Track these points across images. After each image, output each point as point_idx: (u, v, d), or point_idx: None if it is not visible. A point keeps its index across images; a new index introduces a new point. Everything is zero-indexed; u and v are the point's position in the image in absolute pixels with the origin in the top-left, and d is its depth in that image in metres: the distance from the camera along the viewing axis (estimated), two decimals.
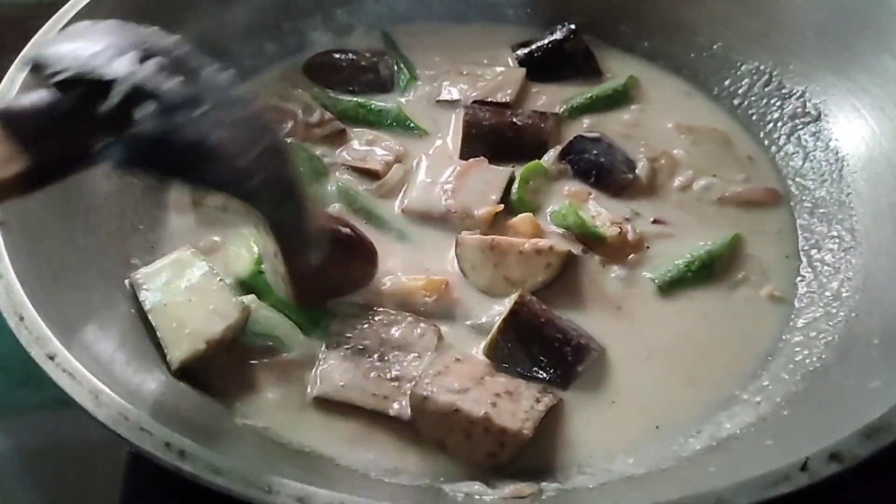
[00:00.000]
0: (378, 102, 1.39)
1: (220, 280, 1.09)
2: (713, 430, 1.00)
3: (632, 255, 1.20)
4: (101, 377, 0.85)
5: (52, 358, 0.85)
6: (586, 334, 1.09)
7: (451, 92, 1.42)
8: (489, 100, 1.39)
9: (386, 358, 1.05)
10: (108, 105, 0.75)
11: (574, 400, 1.05)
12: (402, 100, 1.42)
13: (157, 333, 1.04)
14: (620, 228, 1.20)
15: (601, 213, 1.23)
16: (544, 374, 1.06)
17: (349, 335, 1.07)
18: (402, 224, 1.24)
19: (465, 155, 1.31)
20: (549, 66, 1.46)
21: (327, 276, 1.04)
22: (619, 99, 1.43)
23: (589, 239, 1.20)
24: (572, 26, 1.47)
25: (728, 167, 1.32)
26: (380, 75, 1.44)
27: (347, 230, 1.11)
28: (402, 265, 1.17)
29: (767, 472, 0.77)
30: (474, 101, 1.38)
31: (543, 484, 0.95)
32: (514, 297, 1.09)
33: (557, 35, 1.47)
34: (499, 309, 1.11)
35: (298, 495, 0.76)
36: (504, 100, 1.40)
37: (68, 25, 1.17)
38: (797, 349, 1.09)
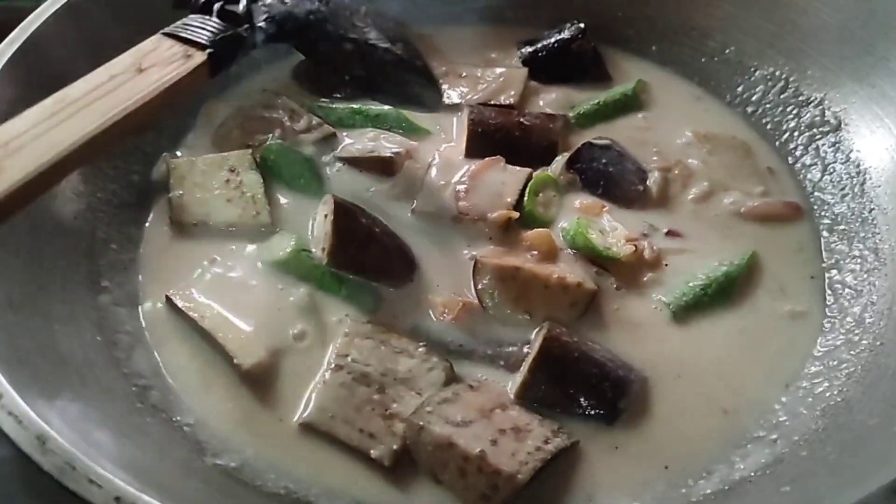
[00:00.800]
0: (374, 107, 1.31)
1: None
2: (725, 472, 0.93)
3: (649, 275, 1.12)
4: (50, 417, 0.77)
5: None
6: (623, 363, 1.01)
7: (450, 95, 1.35)
8: (492, 102, 1.33)
9: (386, 391, 0.98)
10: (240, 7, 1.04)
11: (577, 437, 0.97)
12: None
13: (219, 340, 1.03)
14: (636, 246, 1.12)
15: (616, 228, 1.15)
16: (583, 412, 0.98)
17: (355, 358, 1.01)
18: (415, 229, 1.16)
19: (470, 154, 1.25)
20: (555, 67, 1.40)
21: (368, 252, 1.10)
22: (629, 105, 1.36)
23: (602, 260, 1.12)
24: (581, 25, 1.39)
25: (746, 179, 1.24)
26: None
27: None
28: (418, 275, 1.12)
29: None
30: (479, 104, 1.32)
31: None
32: (542, 331, 1.02)
33: (565, 34, 1.40)
34: (521, 334, 1.05)
35: None
36: (508, 102, 1.34)
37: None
38: (816, 380, 1.01)
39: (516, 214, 1.15)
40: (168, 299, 1.07)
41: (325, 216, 1.10)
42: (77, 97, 0.88)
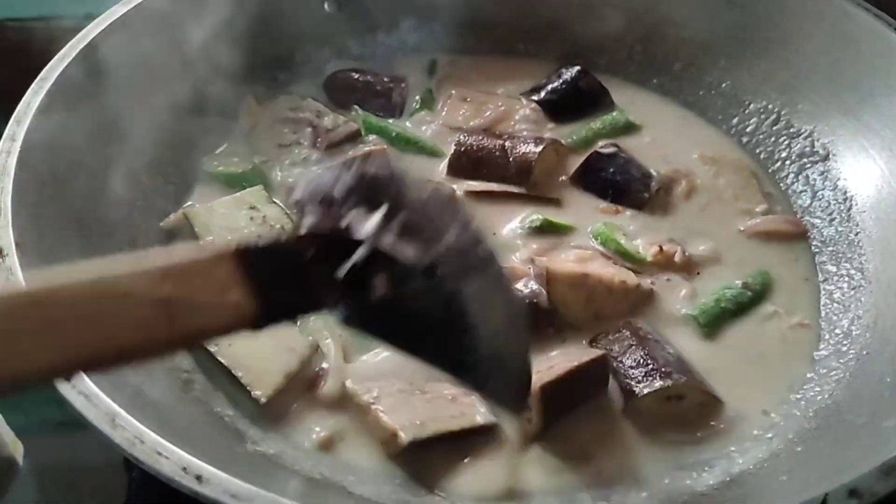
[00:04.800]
0: (392, 126, 1.40)
1: None
2: (726, 465, 1.00)
3: (682, 281, 1.20)
4: (117, 400, 0.84)
5: (68, 381, 0.84)
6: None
7: (456, 119, 1.43)
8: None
9: (426, 390, 1.03)
10: (347, 267, 0.73)
11: (588, 431, 1.04)
12: (408, 124, 1.44)
13: (235, 373, 1.05)
14: (661, 248, 1.20)
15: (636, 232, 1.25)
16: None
17: (376, 387, 1.04)
18: None
19: (452, 173, 1.33)
20: (570, 107, 1.46)
21: None
22: (623, 131, 1.44)
23: (633, 262, 1.20)
24: (578, 66, 1.48)
25: (750, 198, 1.32)
26: (391, 101, 1.46)
27: None
28: None
29: None
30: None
31: None
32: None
33: (567, 76, 1.48)
34: None
35: None
36: (508, 131, 1.41)
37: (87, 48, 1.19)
38: (808, 386, 1.09)
39: None
40: None
41: None
42: None
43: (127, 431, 0.81)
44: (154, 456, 0.79)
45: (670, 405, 1.05)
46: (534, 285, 1.12)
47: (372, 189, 0.77)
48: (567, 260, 1.18)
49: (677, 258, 1.21)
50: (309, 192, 0.78)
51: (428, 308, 0.76)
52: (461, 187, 1.30)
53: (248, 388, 1.04)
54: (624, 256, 1.21)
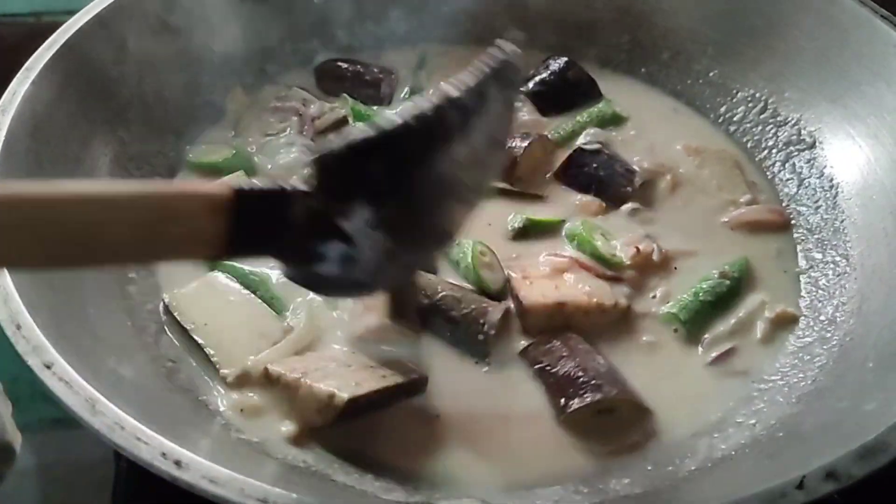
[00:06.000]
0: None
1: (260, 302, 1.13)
2: (708, 451, 1.00)
3: (660, 280, 1.20)
4: (97, 387, 0.84)
5: (48, 367, 0.85)
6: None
7: None
8: None
9: (349, 363, 1.05)
10: (318, 235, 0.82)
11: (569, 418, 1.04)
12: None
13: (207, 351, 1.07)
14: (637, 249, 1.19)
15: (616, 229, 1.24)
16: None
17: (300, 365, 1.04)
18: None
19: None
20: (559, 98, 1.46)
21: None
22: (613, 119, 1.44)
23: (610, 266, 1.19)
24: (565, 58, 1.48)
25: (734, 189, 1.33)
26: (380, 92, 1.46)
27: None
28: None
29: (763, 489, 0.77)
30: None
31: (538, 502, 0.94)
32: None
33: (555, 67, 1.48)
34: None
35: None
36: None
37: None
38: (792, 372, 1.09)
39: None
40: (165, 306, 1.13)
41: None
42: None
43: (107, 418, 0.81)
44: (134, 441, 0.80)
45: (601, 418, 1.04)
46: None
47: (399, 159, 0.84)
48: (541, 275, 1.16)
49: (655, 257, 1.20)
50: (333, 158, 0.82)
51: (363, 280, 0.89)
52: None
53: (216, 366, 1.05)
54: (600, 262, 1.19)
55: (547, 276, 1.15)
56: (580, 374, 1.04)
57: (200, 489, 0.76)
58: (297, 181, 0.81)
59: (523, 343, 1.11)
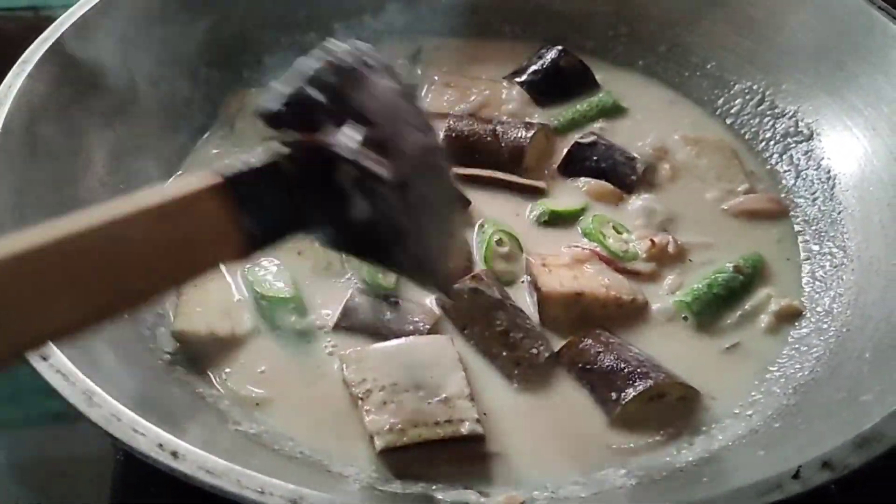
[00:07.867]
0: None
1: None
2: (706, 443, 1.00)
3: (675, 272, 1.20)
4: (94, 379, 0.84)
5: (45, 359, 0.85)
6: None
7: (441, 104, 1.42)
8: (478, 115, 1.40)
9: (421, 386, 1.01)
10: (338, 187, 0.77)
11: (570, 410, 1.05)
12: None
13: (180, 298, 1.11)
14: (653, 242, 1.20)
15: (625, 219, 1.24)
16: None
17: (371, 378, 1.02)
18: None
19: None
20: (552, 87, 1.46)
21: None
22: (612, 110, 1.44)
23: (626, 260, 1.19)
24: (559, 47, 1.48)
25: (732, 178, 1.33)
26: None
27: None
28: None
29: (760, 480, 0.77)
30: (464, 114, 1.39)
31: (535, 493, 0.94)
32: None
33: (549, 56, 1.48)
34: None
35: (292, 497, 0.75)
36: (493, 115, 1.40)
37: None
38: (788, 363, 1.09)
39: None
40: None
41: None
42: None
43: (104, 409, 0.81)
44: (130, 433, 0.80)
45: (653, 405, 1.04)
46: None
47: (339, 89, 0.81)
48: (561, 264, 1.16)
49: (671, 249, 1.21)
50: (280, 101, 0.81)
51: (398, 220, 0.80)
52: None
53: (170, 314, 1.11)
54: (616, 257, 1.19)
55: (567, 266, 1.16)
56: (623, 365, 1.04)
57: (197, 480, 0.76)
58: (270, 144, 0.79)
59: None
